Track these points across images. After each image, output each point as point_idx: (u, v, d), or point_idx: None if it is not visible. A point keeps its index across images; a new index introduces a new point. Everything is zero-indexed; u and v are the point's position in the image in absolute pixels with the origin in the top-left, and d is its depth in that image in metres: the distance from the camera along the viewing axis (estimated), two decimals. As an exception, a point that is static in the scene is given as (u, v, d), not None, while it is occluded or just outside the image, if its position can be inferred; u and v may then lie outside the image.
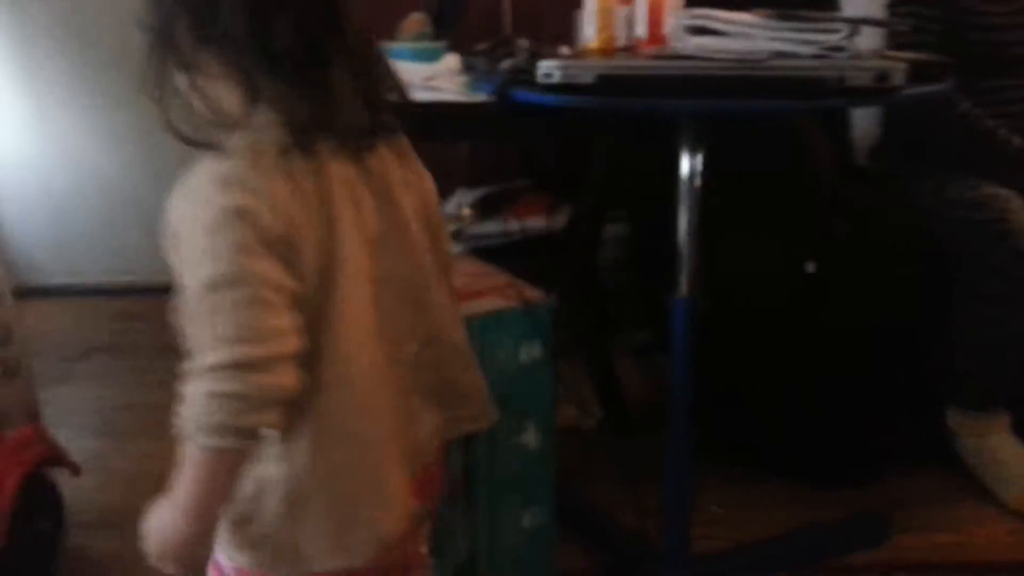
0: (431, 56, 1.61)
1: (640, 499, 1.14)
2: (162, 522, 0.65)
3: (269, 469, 0.65)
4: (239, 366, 0.58)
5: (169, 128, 0.62)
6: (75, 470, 1.24)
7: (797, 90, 0.84)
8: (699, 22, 0.89)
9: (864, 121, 1.55)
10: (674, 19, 0.92)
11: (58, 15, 2.13)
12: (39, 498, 1.18)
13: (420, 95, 1.42)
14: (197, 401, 0.59)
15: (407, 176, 0.72)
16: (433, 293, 0.73)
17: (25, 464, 1.13)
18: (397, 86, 0.71)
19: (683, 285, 1.02)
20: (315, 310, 0.62)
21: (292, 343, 0.60)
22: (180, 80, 0.62)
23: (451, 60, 1.59)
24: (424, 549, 0.82)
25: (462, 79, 1.49)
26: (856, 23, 0.87)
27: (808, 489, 1.35)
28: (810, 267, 1.29)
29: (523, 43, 1.63)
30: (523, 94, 0.91)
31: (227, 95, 0.62)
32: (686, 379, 1.04)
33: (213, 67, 0.62)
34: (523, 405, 1.01)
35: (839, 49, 0.85)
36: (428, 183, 0.76)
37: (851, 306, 1.30)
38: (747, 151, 1.22)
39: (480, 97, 1.35)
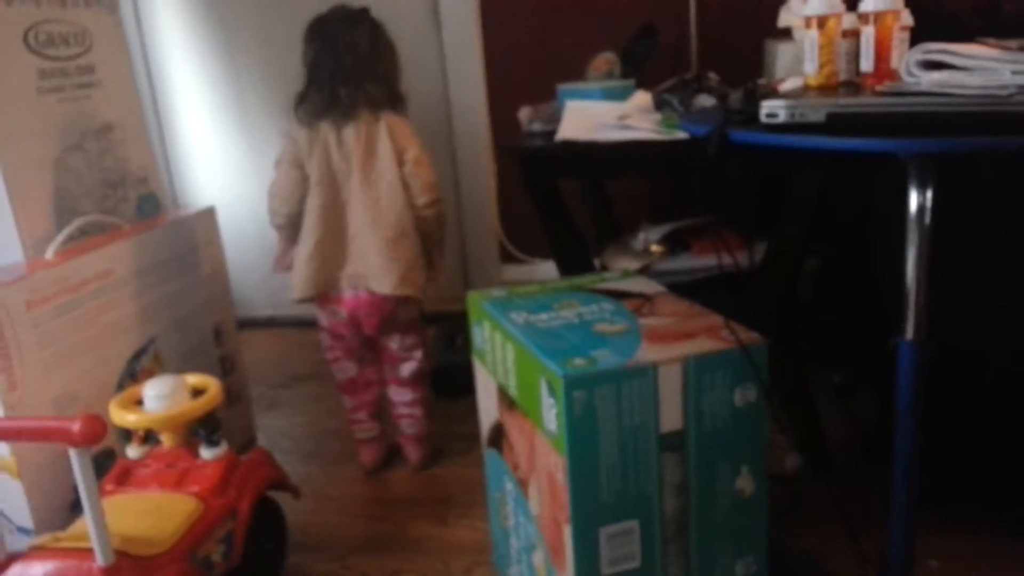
0: (622, 94, 1.64)
1: (861, 550, 1.09)
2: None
3: None
4: (273, 199, 1.52)
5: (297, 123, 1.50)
6: (296, 494, 1.32)
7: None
8: (934, 56, 0.85)
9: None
10: (905, 53, 0.89)
11: (271, 75, 2.34)
12: (266, 519, 1.27)
13: (615, 134, 1.45)
14: (267, 206, 1.53)
15: (367, 139, 1.47)
16: (360, 207, 1.47)
17: (257, 487, 1.22)
18: (390, 86, 1.52)
19: (910, 328, 0.97)
20: (307, 189, 1.48)
21: (287, 200, 1.49)
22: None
23: (641, 97, 1.60)
24: (393, 344, 1.58)
25: (655, 116, 1.50)
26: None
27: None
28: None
29: (714, 78, 1.63)
30: (744, 135, 0.89)
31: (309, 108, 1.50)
32: (913, 426, 0.99)
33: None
34: (737, 450, 0.99)
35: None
36: (393, 145, 1.47)
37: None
38: (970, 189, 1.15)
39: (679, 135, 1.36)
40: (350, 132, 1.47)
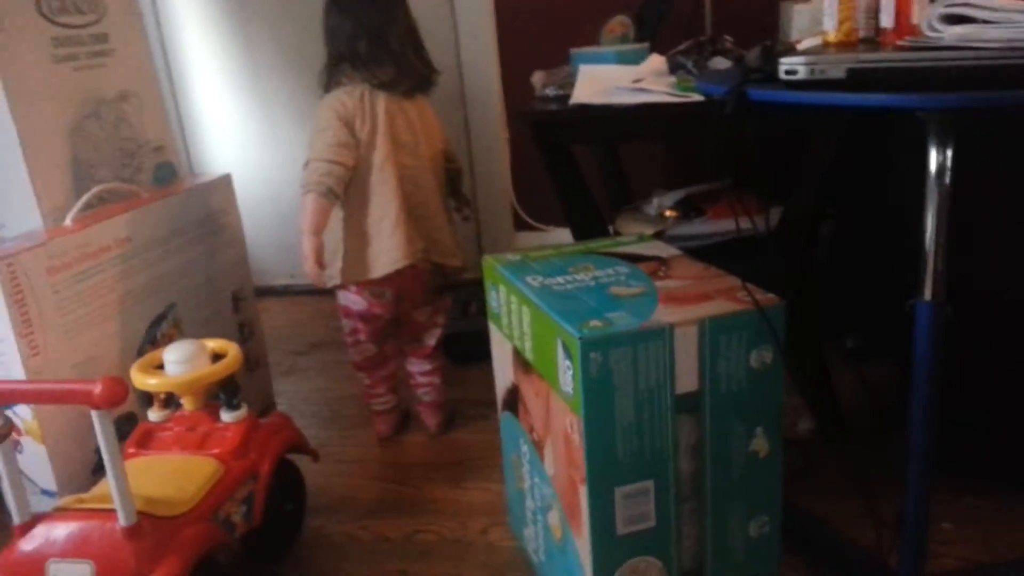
0: (635, 58, 1.62)
1: (876, 512, 1.09)
2: (301, 241, 1.42)
3: (339, 232, 1.47)
4: (321, 160, 1.41)
5: (324, 89, 1.48)
6: (315, 457, 1.34)
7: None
8: (957, 10, 0.84)
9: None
10: (926, 8, 0.87)
11: (284, 44, 2.33)
12: (286, 481, 1.28)
13: (629, 98, 1.43)
14: (307, 174, 1.42)
15: (419, 116, 1.49)
16: (424, 180, 1.49)
17: (276, 449, 1.24)
18: (429, 65, 1.52)
19: (928, 289, 0.96)
20: (364, 154, 1.44)
21: (347, 159, 1.42)
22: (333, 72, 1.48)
23: (656, 61, 1.58)
24: (421, 316, 1.58)
25: (670, 79, 1.49)
26: None
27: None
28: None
29: (729, 40, 1.60)
30: (763, 93, 0.88)
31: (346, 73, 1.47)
32: (929, 388, 0.98)
33: (344, 66, 1.46)
34: (752, 411, 0.99)
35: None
36: (432, 122, 1.52)
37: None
38: (994, 147, 1.13)
39: (694, 97, 1.34)
40: (410, 105, 1.48)
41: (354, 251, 1.46)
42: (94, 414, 0.92)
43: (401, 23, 1.47)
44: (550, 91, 1.63)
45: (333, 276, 1.48)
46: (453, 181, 1.60)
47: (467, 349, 1.86)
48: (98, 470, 1.24)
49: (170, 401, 1.24)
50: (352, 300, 1.51)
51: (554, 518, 1.08)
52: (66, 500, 1.07)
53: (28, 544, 1.00)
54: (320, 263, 1.43)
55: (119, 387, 0.92)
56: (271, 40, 2.40)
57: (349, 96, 1.44)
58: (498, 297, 1.15)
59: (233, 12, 2.41)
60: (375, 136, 1.44)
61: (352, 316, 1.54)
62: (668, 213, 1.71)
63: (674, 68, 1.52)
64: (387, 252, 1.44)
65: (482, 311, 1.23)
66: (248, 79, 2.46)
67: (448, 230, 1.53)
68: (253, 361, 1.68)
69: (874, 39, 0.96)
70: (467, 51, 2.33)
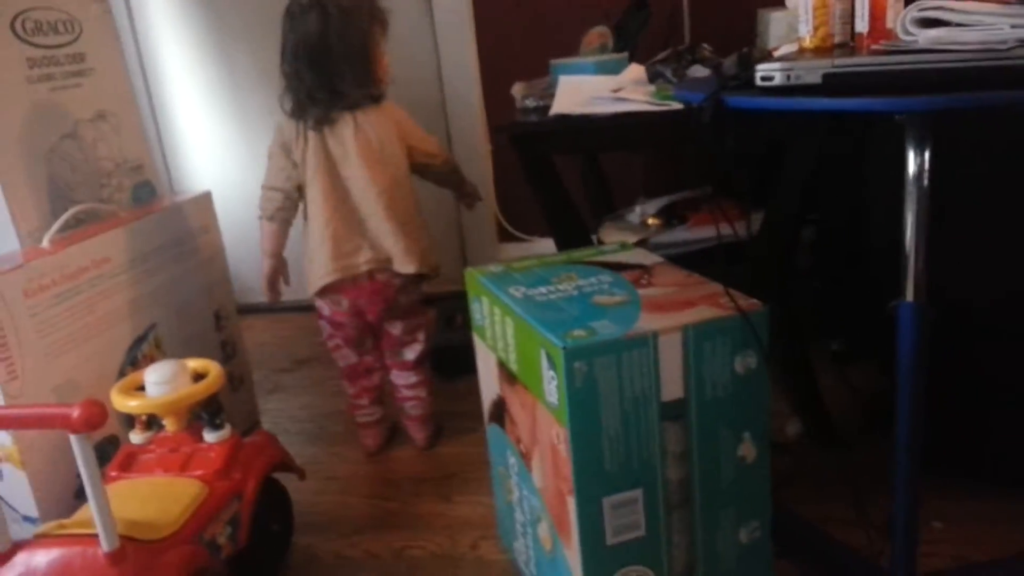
0: (615, 68, 1.62)
1: (866, 515, 1.09)
2: (261, 261, 1.53)
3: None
4: (266, 188, 1.51)
5: (283, 112, 1.50)
6: (301, 475, 1.32)
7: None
8: (931, 13, 0.84)
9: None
10: (900, 12, 0.88)
11: (264, 61, 2.32)
12: (272, 501, 1.27)
13: (609, 107, 1.44)
14: (259, 200, 1.51)
15: (362, 128, 1.47)
16: (366, 193, 1.47)
17: (261, 468, 1.22)
18: (367, 83, 1.48)
19: (910, 290, 0.96)
20: (301, 175, 1.49)
21: (284, 184, 1.49)
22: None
23: (635, 70, 1.59)
24: (395, 330, 1.58)
25: (649, 88, 1.49)
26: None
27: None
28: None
29: (707, 49, 1.61)
30: (740, 100, 0.89)
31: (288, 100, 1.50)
32: (914, 389, 0.98)
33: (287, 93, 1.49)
34: (739, 417, 0.99)
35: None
36: (386, 131, 1.49)
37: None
38: (972, 150, 1.14)
39: (673, 105, 1.35)
40: (344, 120, 1.46)
41: (306, 265, 1.52)
42: (73, 438, 0.91)
43: (327, 39, 1.42)
44: (530, 102, 1.63)
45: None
46: (442, 180, 1.61)
47: (454, 362, 1.85)
48: (81, 494, 1.21)
49: (152, 423, 1.23)
50: (320, 305, 1.55)
51: (543, 530, 1.07)
52: (47, 526, 1.05)
53: (9, 573, 0.98)
54: (280, 281, 1.56)
55: (97, 410, 0.90)
56: (250, 57, 2.39)
57: (287, 120, 1.50)
58: (481, 309, 1.15)
59: (212, 29, 2.41)
60: (306, 154, 1.47)
61: (324, 320, 1.57)
62: (651, 221, 1.71)
63: (653, 77, 1.52)
64: (320, 266, 1.48)
65: (468, 323, 1.22)
66: (228, 96, 2.46)
67: (400, 236, 1.48)
68: (237, 380, 1.67)
69: (849, 44, 0.97)
70: (448, 63, 2.33)
